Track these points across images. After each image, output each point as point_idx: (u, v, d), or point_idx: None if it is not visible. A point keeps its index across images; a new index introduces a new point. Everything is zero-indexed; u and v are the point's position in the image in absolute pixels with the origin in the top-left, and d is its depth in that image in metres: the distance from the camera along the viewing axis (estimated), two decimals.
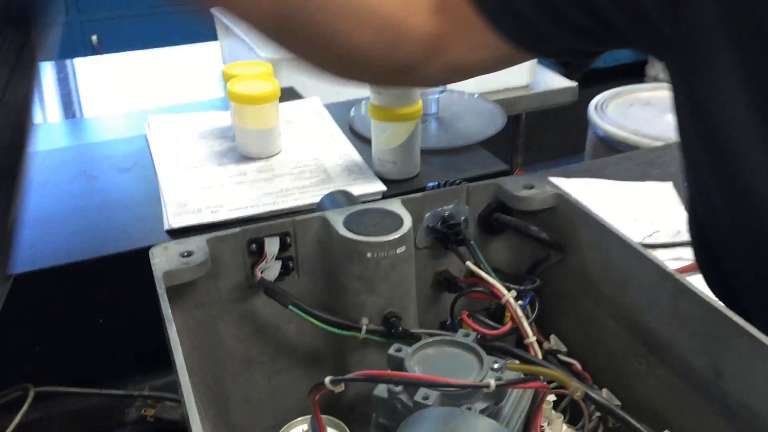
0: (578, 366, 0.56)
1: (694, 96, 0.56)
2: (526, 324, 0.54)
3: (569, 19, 0.58)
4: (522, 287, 0.56)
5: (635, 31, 0.59)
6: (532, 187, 0.60)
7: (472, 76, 0.67)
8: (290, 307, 0.58)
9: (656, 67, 4.08)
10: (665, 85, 2.22)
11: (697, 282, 1.08)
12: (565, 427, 0.52)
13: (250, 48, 1.56)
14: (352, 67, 0.63)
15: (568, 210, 0.58)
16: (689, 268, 1.07)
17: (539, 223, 0.59)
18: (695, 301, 0.47)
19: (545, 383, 0.45)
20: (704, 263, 0.69)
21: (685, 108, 0.57)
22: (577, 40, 0.62)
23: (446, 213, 0.60)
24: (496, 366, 0.47)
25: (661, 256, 1.11)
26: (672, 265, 1.06)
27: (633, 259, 0.51)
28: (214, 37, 1.91)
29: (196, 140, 1.07)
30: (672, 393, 0.49)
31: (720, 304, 0.45)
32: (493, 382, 0.42)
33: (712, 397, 0.45)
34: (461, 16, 0.60)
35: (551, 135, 3.34)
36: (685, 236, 1.14)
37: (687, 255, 1.10)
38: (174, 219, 0.84)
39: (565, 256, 0.59)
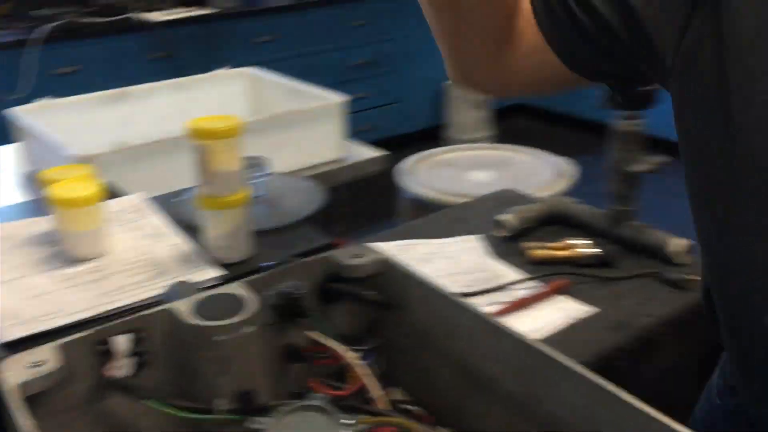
0: (422, 411, 0.62)
1: (682, 128, 0.60)
2: (371, 382, 0.60)
3: (597, 42, 0.63)
4: (363, 348, 0.62)
5: (645, 60, 0.62)
6: (360, 256, 0.66)
7: (546, 93, 0.71)
8: (144, 401, 0.60)
9: (453, 131, 4.43)
10: (463, 146, 2.41)
11: (512, 321, 1.19)
12: None
13: (57, 149, 1.53)
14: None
15: (394, 273, 0.65)
16: (505, 310, 1.19)
17: (371, 287, 0.66)
18: (511, 340, 0.55)
19: (393, 428, 0.50)
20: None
21: (680, 138, 0.61)
22: (608, 64, 0.66)
23: (286, 289, 0.65)
24: (349, 422, 0.52)
25: (479, 302, 1.22)
26: (490, 309, 1.17)
27: (454, 309, 0.59)
28: (6, 141, 1.87)
29: (16, 249, 1.04)
30: (505, 422, 0.56)
31: (530, 339, 0.54)
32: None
33: (535, 419, 0.53)
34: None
35: (365, 202, 3.49)
36: (498, 282, 1.27)
37: (502, 298, 1.22)
38: (9, 331, 0.82)
39: (399, 315, 0.66)
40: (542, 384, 0.52)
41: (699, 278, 1.23)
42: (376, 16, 4.09)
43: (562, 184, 2.20)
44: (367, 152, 1.97)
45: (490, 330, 0.57)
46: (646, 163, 1.31)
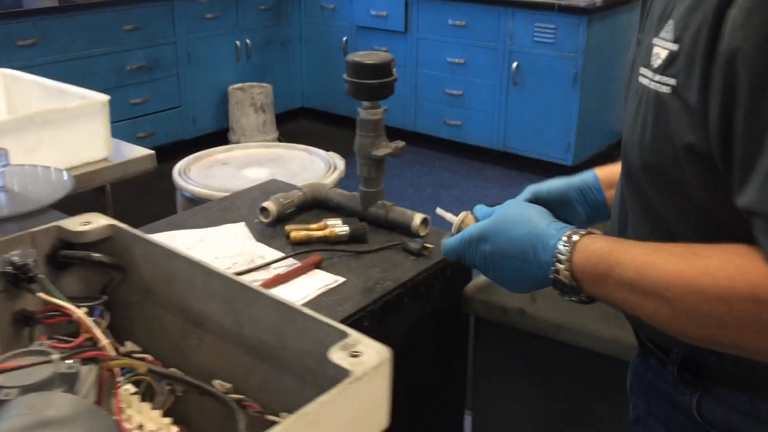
0: (150, 357, 0.69)
1: None
2: (97, 331, 0.65)
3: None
4: (90, 304, 0.67)
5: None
6: (88, 223, 0.71)
7: None
8: None
9: (236, 134, 4.46)
10: (240, 145, 2.46)
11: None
12: (144, 405, 0.65)
13: None
14: None
15: (122, 236, 0.71)
16: (264, 285, 1.27)
17: (100, 251, 0.71)
18: (219, 278, 0.63)
19: (107, 353, 0.57)
20: None
21: None
22: None
23: (14, 258, 0.68)
24: (67, 361, 0.58)
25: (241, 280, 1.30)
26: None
27: (174, 260, 0.67)
28: None
29: None
30: (217, 351, 0.64)
31: (235, 277, 0.63)
32: (56, 355, 0.53)
33: (240, 343, 0.62)
34: None
35: (142, 203, 3.44)
36: (259, 263, 1.36)
37: (263, 276, 1.31)
38: None
39: (127, 274, 0.72)
40: (244, 311, 0.61)
41: (432, 246, 1.40)
42: (150, 19, 4.03)
43: (333, 177, 2.33)
44: (137, 151, 1.97)
45: (203, 273, 0.65)
46: (387, 148, 1.45)
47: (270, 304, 0.59)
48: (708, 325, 0.68)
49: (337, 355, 0.51)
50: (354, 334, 0.53)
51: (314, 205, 1.61)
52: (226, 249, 1.43)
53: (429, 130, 4.53)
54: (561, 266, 0.77)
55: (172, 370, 0.65)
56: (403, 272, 1.34)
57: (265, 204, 1.52)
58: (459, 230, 0.91)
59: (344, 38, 4.73)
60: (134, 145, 2.00)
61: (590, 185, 0.98)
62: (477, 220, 0.91)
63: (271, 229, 1.51)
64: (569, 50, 3.88)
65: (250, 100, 4.45)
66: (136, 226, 1.51)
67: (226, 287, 0.62)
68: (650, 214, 0.79)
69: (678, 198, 0.75)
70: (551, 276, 0.78)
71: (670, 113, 0.72)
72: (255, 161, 2.49)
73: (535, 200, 0.94)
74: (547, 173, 4.22)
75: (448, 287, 1.41)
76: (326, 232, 1.45)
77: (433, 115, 4.48)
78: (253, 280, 1.31)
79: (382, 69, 1.39)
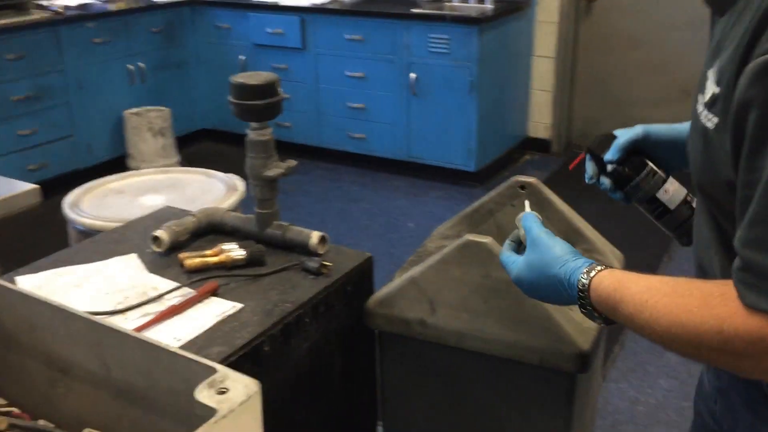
0: (16, 410, 0.65)
1: None
2: None
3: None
4: None
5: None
6: None
7: None
8: None
9: (136, 160, 4.33)
10: (135, 172, 2.38)
11: (165, 328, 1.22)
12: None
13: None
14: None
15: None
16: (157, 319, 1.23)
17: None
18: (82, 321, 0.60)
19: None
20: None
21: None
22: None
23: None
24: None
25: (133, 315, 1.25)
26: (142, 320, 1.20)
27: (34, 305, 0.63)
28: None
29: None
30: (86, 398, 0.61)
31: (99, 319, 0.60)
32: None
33: (109, 387, 0.59)
34: None
35: (36, 240, 3.29)
36: (152, 295, 1.31)
37: (157, 309, 1.26)
38: None
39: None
40: (111, 353, 0.58)
41: (331, 264, 1.39)
42: (34, 47, 3.87)
43: (233, 199, 2.29)
44: (19, 186, 1.88)
45: (65, 317, 0.61)
46: (278, 168, 1.44)
47: (136, 345, 0.56)
48: (693, 354, 0.80)
49: (203, 394, 0.49)
50: (222, 370, 0.51)
51: (210, 230, 1.57)
52: (116, 283, 1.38)
53: (334, 145, 4.53)
54: (584, 302, 0.90)
55: (40, 422, 0.61)
56: (302, 292, 1.32)
57: (157, 233, 1.47)
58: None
59: (242, 57, 4.68)
60: (17, 180, 1.91)
61: None
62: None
63: (165, 259, 1.47)
64: (463, 59, 3.95)
65: (148, 125, 4.34)
66: (24, 264, 1.44)
67: (90, 330, 0.59)
68: (711, 220, 0.87)
69: (726, 216, 0.82)
70: (582, 311, 0.92)
71: (714, 149, 0.78)
72: (151, 188, 2.42)
73: (645, 143, 1.10)
74: (451, 180, 4.30)
75: (349, 304, 1.40)
76: (222, 257, 1.41)
77: (337, 130, 4.48)
78: (146, 313, 1.26)
79: (267, 89, 1.37)
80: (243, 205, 2.30)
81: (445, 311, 1.34)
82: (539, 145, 4.70)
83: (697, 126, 0.82)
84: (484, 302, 1.31)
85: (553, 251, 0.97)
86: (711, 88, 0.78)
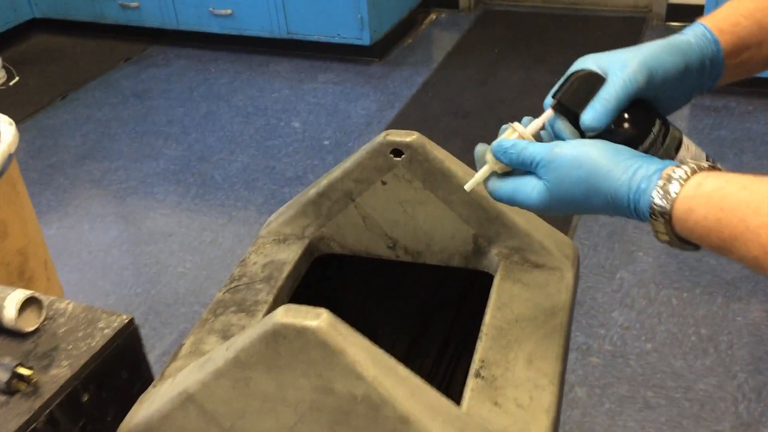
0: None
1: None
2: None
3: None
4: None
5: None
6: None
7: None
8: None
9: None
10: None
11: None
12: None
13: None
14: None
15: None
16: None
17: None
18: None
19: None
20: None
21: None
22: None
23: None
24: None
25: None
26: None
27: None
28: None
29: None
30: None
31: None
32: None
33: None
34: None
35: None
36: None
37: None
38: None
39: None
40: None
41: (33, 374, 0.72)
42: None
43: None
44: None
45: None
46: None
47: None
48: None
49: None
50: None
51: None
52: None
53: (194, 26, 3.66)
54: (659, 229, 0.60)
55: None
56: None
57: None
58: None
59: None
60: None
61: (711, 58, 0.72)
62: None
63: None
64: None
65: None
66: None
67: None
68: None
69: None
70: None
71: None
72: None
73: (648, 89, 0.68)
74: (343, 57, 3.54)
75: None
76: None
77: (196, 6, 3.60)
78: None
79: None
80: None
81: None
82: (445, 0, 3.94)
83: None
84: None
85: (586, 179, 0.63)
86: None
